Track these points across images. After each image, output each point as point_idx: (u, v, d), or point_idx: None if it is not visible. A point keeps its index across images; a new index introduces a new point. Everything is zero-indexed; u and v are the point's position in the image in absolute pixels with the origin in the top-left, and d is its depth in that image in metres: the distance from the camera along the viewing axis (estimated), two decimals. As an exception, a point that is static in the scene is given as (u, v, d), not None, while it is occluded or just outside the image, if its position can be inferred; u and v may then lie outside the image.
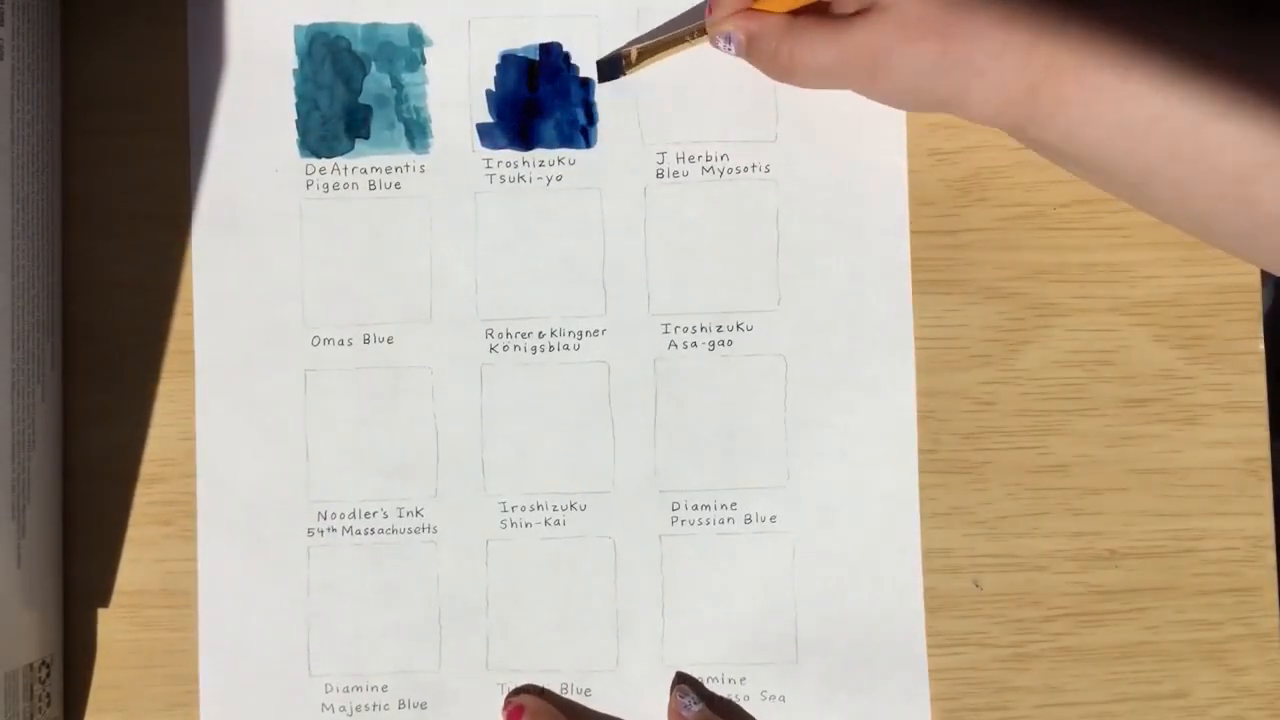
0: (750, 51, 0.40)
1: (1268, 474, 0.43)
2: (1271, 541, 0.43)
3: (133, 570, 0.43)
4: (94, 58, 0.43)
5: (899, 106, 0.41)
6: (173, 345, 0.43)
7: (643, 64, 0.43)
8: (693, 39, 0.42)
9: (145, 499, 0.43)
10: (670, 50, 0.42)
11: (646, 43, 0.43)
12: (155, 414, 0.43)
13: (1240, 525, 0.43)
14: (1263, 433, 0.43)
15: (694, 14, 0.43)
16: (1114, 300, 0.43)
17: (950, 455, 0.43)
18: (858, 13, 0.39)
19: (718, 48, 0.41)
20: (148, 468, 0.43)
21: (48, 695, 0.42)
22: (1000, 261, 0.43)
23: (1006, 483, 0.43)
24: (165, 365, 0.43)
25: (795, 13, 0.40)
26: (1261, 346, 0.43)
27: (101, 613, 0.43)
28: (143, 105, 0.43)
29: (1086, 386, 0.43)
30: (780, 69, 0.40)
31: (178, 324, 0.43)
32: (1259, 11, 0.38)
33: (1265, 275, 0.43)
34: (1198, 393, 0.43)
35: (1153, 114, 0.37)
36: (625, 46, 0.43)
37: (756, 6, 0.40)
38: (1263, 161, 0.36)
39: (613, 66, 0.43)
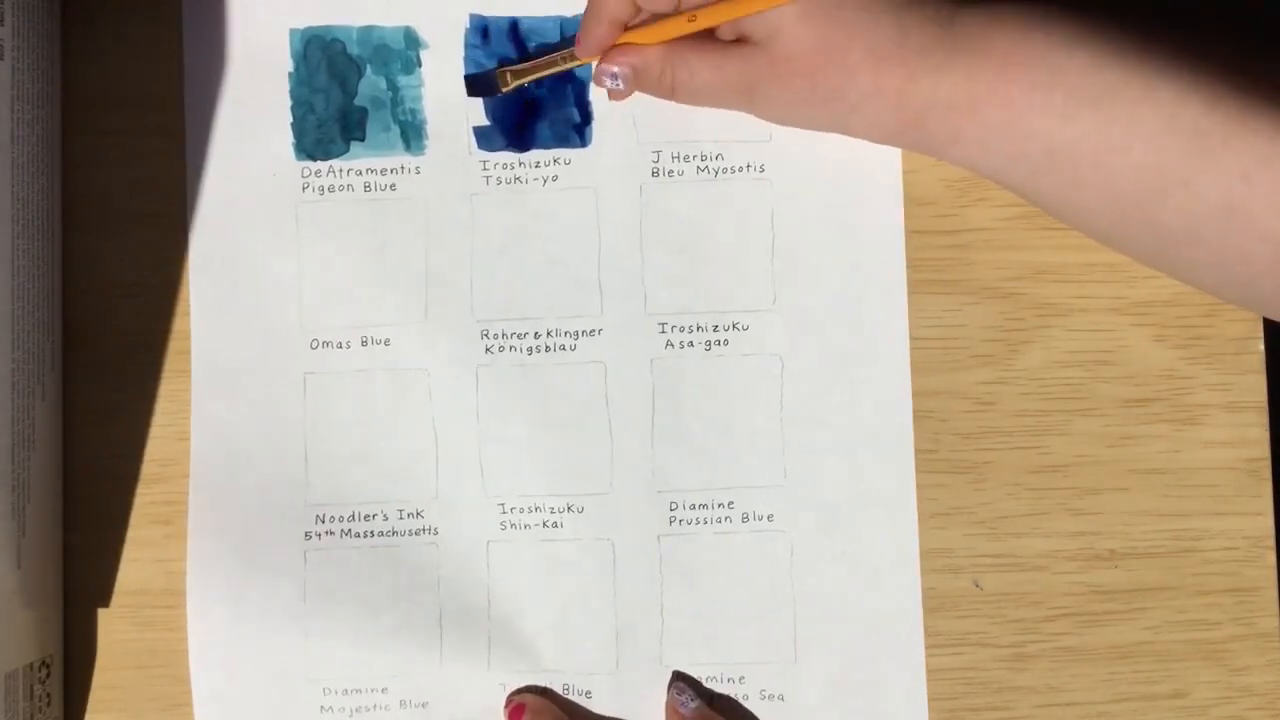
0: (637, 83, 0.40)
1: (1268, 474, 0.43)
2: (1271, 541, 0.43)
3: (133, 570, 0.43)
4: (94, 58, 0.43)
5: (787, 126, 0.41)
6: (172, 345, 0.43)
7: (515, 84, 0.42)
8: (565, 62, 0.42)
9: (145, 499, 0.43)
10: (542, 73, 0.42)
11: (519, 66, 0.42)
12: (155, 414, 0.43)
13: (1240, 525, 0.43)
14: (1263, 433, 0.43)
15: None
16: (1114, 300, 0.43)
17: (950, 455, 0.43)
18: (736, 40, 0.39)
19: (604, 87, 0.41)
20: (148, 468, 0.43)
21: (48, 695, 0.42)
22: (1000, 261, 0.43)
23: (1006, 483, 0.43)
24: (165, 365, 0.43)
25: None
26: (1261, 347, 0.43)
27: (101, 613, 0.43)
28: (143, 105, 0.43)
29: (1086, 386, 0.43)
30: (663, 90, 0.40)
31: (177, 324, 0.43)
32: (1162, 34, 0.37)
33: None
34: (1198, 393, 0.43)
35: (1050, 147, 0.37)
36: (499, 68, 0.43)
37: (628, 39, 0.40)
38: (1163, 187, 0.36)
39: (484, 84, 0.43)
